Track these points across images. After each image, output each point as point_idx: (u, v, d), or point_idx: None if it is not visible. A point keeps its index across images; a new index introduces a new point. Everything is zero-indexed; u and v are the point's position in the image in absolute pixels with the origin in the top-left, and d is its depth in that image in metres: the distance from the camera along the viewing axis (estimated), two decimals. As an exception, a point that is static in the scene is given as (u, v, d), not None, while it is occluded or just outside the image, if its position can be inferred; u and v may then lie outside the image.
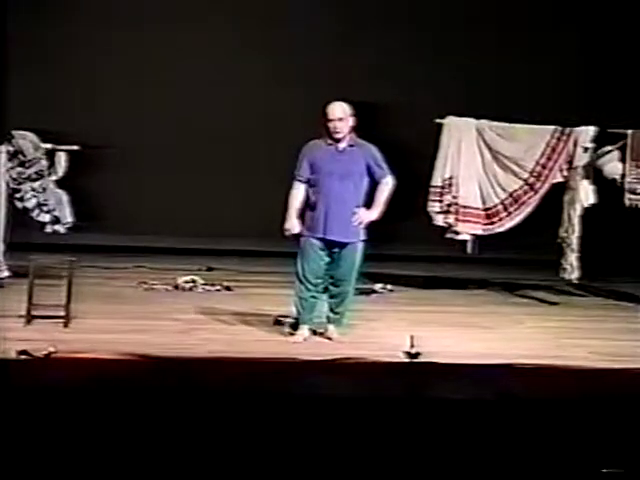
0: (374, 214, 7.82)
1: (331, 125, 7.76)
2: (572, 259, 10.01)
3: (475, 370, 6.29)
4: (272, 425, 4.90)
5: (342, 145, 7.79)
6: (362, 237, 7.85)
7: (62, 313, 7.89)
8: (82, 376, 5.55)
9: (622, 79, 11.93)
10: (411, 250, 11.78)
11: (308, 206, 7.84)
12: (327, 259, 7.82)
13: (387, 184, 7.86)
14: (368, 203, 7.84)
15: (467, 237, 10.11)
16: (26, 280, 8.05)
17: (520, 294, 10.48)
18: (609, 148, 9.90)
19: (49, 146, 9.82)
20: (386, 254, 10.59)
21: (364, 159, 7.81)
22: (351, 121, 7.80)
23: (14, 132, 9.64)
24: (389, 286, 10.38)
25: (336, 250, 7.80)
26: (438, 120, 10.11)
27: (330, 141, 7.80)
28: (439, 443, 4.90)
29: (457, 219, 10.05)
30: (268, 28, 12.17)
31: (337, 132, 7.76)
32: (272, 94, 12.07)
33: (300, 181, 7.85)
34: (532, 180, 10.02)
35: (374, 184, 7.85)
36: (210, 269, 10.95)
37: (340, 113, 7.77)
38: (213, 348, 7.32)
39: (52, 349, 6.38)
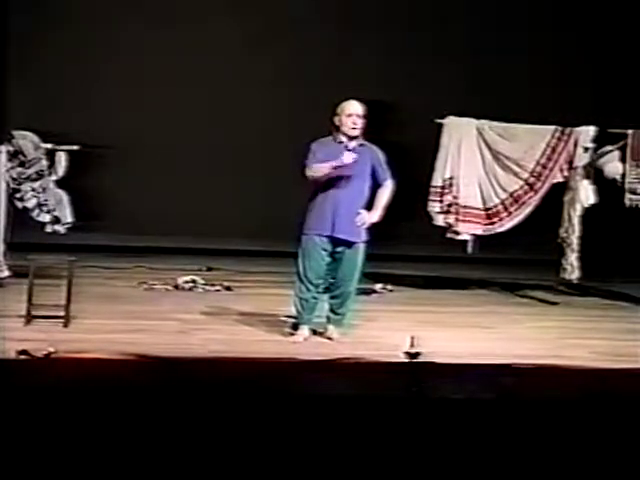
0: (375, 216, 7.81)
1: (350, 120, 7.71)
2: (572, 259, 10.01)
3: (475, 370, 6.29)
4: (272, 425, 4.90)
5: (352, 144, 7.75)
6: (366, 238, 7.84)
7: (62, 313, 7.88)
8: (82, 376, 5.54)
9: (622, 79, 11.93)
10: (411, 250, 11.79)
11: (312, 204, 7.80)
12: (328, 259, 7.80)
13: (388, 187, 7.85)
14: (368, 205, 7.83)
15: (467, 237, 10.11)
16: (26, 280, 8.04)
17: (520, 294, 10.48)
18: (609, 148, 9.91)
19: (49, 146, 9.81)
20: (386, 254, 10.59)
21: (371, 160, 7.79)
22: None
23: (14, 132, 9.63)
24: (389, 286, 10.38)
25: (339, 250, 7.78)
26: (438, 120, 10.11)
27: (340, 139, 7.76)
28: (439, 443, 4.90)
29: (457, 219, 10.05)
30: (267, 29, 12.19)
31: (355, 128, 7.71)
32: (272, 94, 12.08)
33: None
34: (532, 180, 10.02)
35: (375, 186, 7.84)
36: (210, 269, 10.95)
37: (362, 110, 7.75)
38: (213, 348, 7.31)
39: (52, 349, 6.37)
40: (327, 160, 7.67)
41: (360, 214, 7.75)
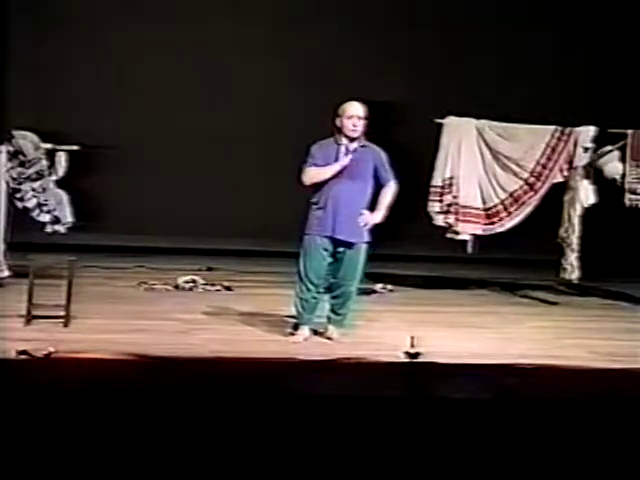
0: (378, 217, 7.80)
1: (350, 122, 7.68)
2: (572, 259, 10.01)
3: (475, 370, 6.29)
4: (272, 425, 4.90)
5: (353, 145, 7.74)
6: (367, 238, 7.84)
7: (62, 313, 7.88)
8: (82, 376, 5.54)
9: (622, 79, 11.93)
10: (411, 250, 11.79)
11: (314, 204, 7.80)
12: (330, 259, 7.80)
13: (391, 188, 7.84)
14: (371, 206, 7.83)
15: (467, 237, 10.11)
16: (26, 280, 8.04)
17: (520, 294, 10.48)
18: (609, 148, 9.91)
19: (49, 146, 9.82)
20: (386, 254, 10.58)
21: (372, 161, 7.78)
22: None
23: (14, 132, 9.64)
24: (389, 286, 10.38)
25: (341, 250, 7.77)
26: (438, 120, 10.11)
27: (341, 141, 7.75)
28: (439, 443, 4.90)
29: (457, 219, 10.05)
30: (267, 29, 12.19)
31: (355, 130, 7.69)
32: (272, 94, 12.08)
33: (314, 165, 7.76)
34: (532, 180, 10.02)
35: (377, 187, 7.83)
36: (210, 269, 10.95)
37: (363, 111, 7.73)
38: (213, 348, 7.31)
39: (52, 349, 6.37)
40: (326, 162, 7.68)
41: (363, 214, 7.75)
